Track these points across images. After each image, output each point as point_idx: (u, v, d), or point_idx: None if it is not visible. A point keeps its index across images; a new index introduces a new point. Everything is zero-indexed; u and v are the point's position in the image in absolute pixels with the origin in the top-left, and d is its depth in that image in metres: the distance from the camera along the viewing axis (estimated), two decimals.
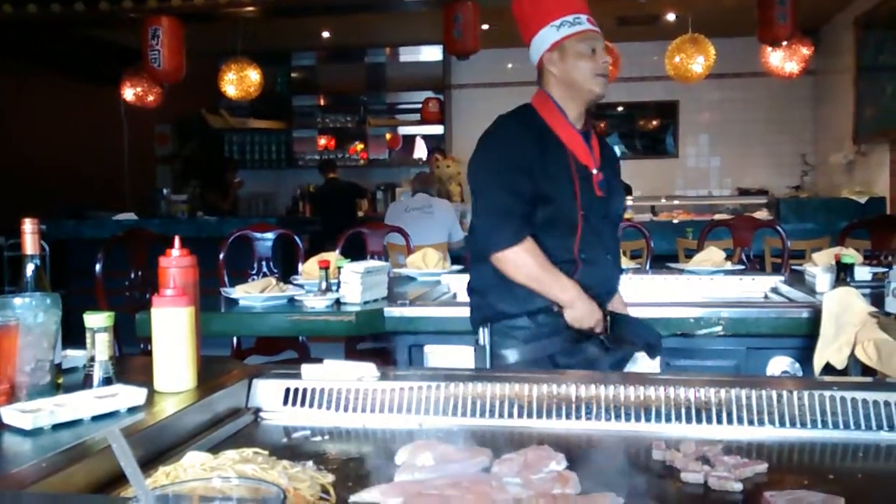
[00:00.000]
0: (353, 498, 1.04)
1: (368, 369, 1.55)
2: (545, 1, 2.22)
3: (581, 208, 2.13)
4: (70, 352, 1.64)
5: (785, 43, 5.99)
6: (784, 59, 6.22)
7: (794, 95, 8.55)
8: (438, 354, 2.58)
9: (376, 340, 3.75)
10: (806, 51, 6.20)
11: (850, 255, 2.87)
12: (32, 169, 7.15)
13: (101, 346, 1.43)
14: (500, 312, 2.15)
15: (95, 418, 1.27)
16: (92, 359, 1.43)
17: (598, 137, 2.30)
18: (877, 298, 2.44)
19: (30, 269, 1.45)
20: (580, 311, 2.09)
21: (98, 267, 3.53)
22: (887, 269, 2.60)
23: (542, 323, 2.12)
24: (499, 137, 2.19)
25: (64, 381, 1.47)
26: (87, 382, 1.43)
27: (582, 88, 2.18)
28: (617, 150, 9.04)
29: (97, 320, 1.42)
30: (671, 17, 7.68)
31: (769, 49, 6.18)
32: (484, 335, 2.17)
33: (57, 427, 1.22)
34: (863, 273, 2.99)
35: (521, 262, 2.08)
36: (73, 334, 1.60)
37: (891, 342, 2.15)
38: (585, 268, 2.15)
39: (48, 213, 6.54)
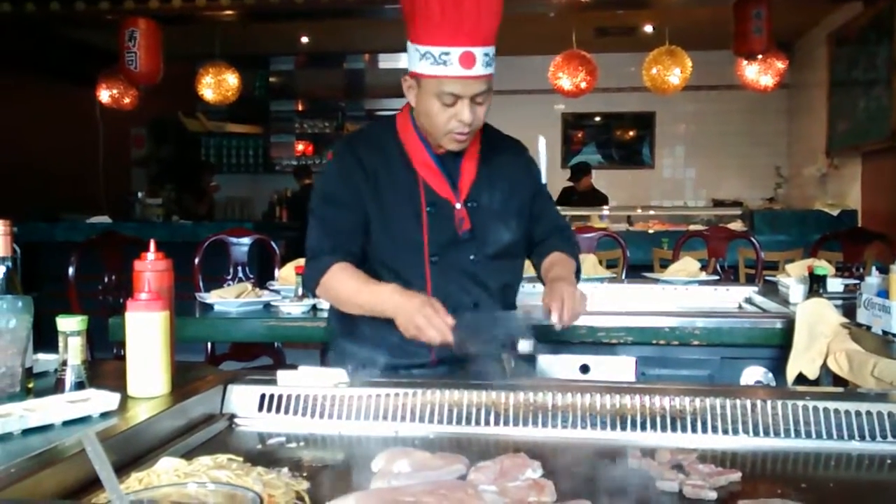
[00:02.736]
0: None
1: (339, 375, 1.55)
2: (415, 14, 1.74)
3: (430, 252, 1.83)
4: (42, 356, 1.62)
5: (760, 57, 6.06)
6: (759, 73, 6.30)
7: (769, 108, 8.66)
8: None
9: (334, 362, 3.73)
10: (780, 65, 6.28)
11: (823, 266, 2.90)
12: (4, 170, 7.05)
13: (73, 350, 1.41)
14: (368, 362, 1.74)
15: (67, 423, 1.25)
16: (64, 363, 1.41)
17: (484, 147, 1.92)
18: (849, 309, 2.47)
19: (1, 271, 1.43)
20: (407, 317, 1.65)
21: (71, 270, 3.49)
22: (859, 281, 2.64)
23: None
24: (331, 162, 1.94)
25: (35, 385, 1.45)
26: (58, 387, 1.41)
27: (432, 136, 1.83)
28: (593, 159, 9.13)
29: (70, 324, 1.40)
30: (648, 28, 7.75)
31: (744, 62, 6.26)
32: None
33: (27, 432, 1.20)
34: (835, 284, 3.02)
35: (331, 287, 1.81)
36: (46, 338, 1.58)
37: (862, 353, 2.18)
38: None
39: (20, 214, 6.44)
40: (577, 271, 2.00)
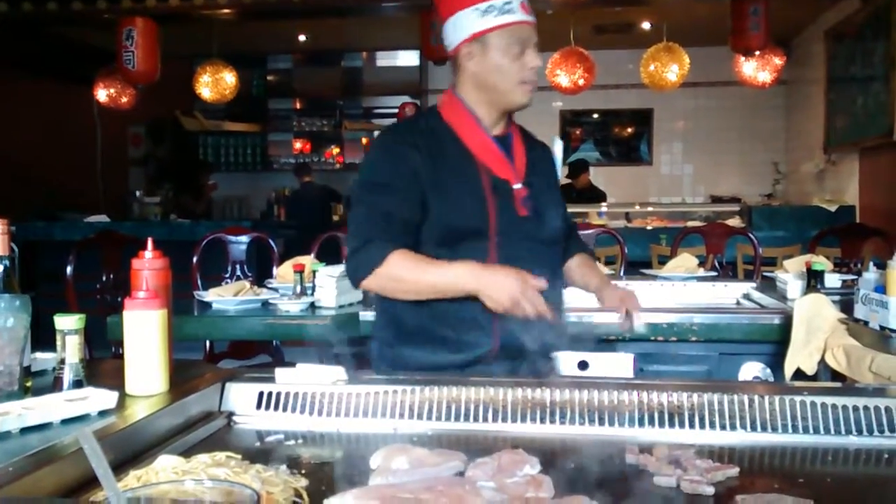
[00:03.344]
0: (326, 502, 1.03)
1: (337, 373, 1.55)
2: None
3: (496, 232, 1.78)
4: (40, 354, 1.62)
5: (758, 53, 6.06)
6: (757, 69, 6.30)
7: (767, 105, 8.66)
8: None
9: (351, 344, 3.74)
10: (778, 61, 6.28)
11: (821, 262, 2.91)
12: (2, 169, 7.04)
13: (71, 349, 1.41)
14: (412, 365, 1.80)
15: (65, 422, 1.25)
16: (62, 361, 1.41)
17: (524, 141, 1.94)
18: (846, 305, 2.48)
19: None
20: (500, 289, 1.62)
21: (69, 269, 3.49)
22: (856, 277, 2.64)
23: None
24: (374, 152, 1.86)
25: (33, 384, 1.45)
26: (56, 385, 1.41)
27: (502, 96, 1.82)
28: (591, 156, 9.13)
29: (68, 322, 1.40)
30: (646, 25, 7.74)
31: (742, 59, 6.26)
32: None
33: (25, 431, 1.20)
34: (833, 280, 3.03)
35: (393, 278, 1.72)
36: (44, 337, 1.58)
37: (860, 348, 2.18)
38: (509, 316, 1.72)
39: (18, 213, 6.44)
40: None
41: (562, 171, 2.12)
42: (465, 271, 1.68)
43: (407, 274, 1.72)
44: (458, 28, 1.79)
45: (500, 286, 1.62)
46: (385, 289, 1.78)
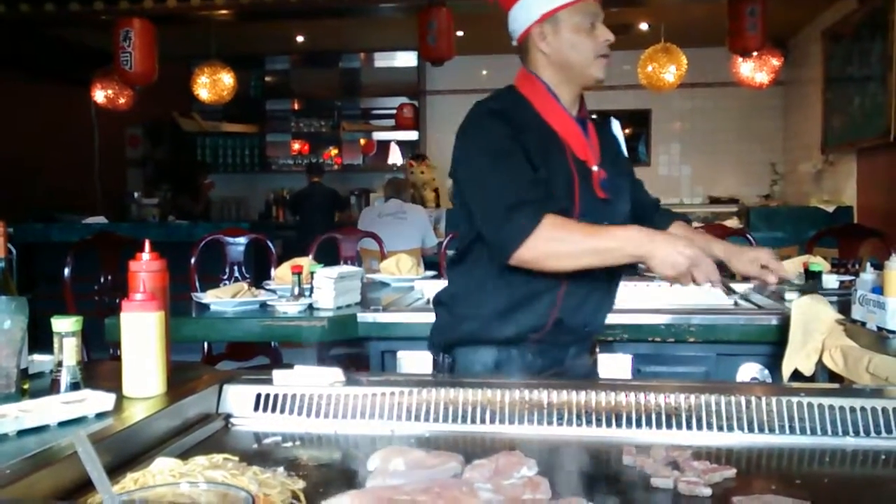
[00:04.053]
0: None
1: (335, 374, 1.55)
2: None
3: (579, 213, 1.73)
4: (37, 357, 1.62)
5: (755, 53, 6.07)
6: (754, 70, 6.31)
7: (764, 105, 8.67)
8: (411, 360, 2.58)
9: (349, 346, 3.74)
10: (776, 61, 6.29)
11: (818, 263, 2.91)
12: (0, 170, 7.04)
13: (68, 351, 1.41)
14: (463, 336, 1.82)
15: (62, 424, 1.25)
16: (59, 364, 1.41)
17: (595, 125, 1.90)
18: (844, 306, 2.48)
19: None
20: (673, 255, 1.58)
21: (67, 271, 3.49)
22: (854, 278, 2.65)
23: (510, 359, 1.79)
24: (482, 125, 1.76)
25: (30, 386, 1.45)
26: (54, 388, 1.41)
27: (580, 73, 1.79)
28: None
29: (65, 324, 1.40)
30: (644, 26, 7.75)
31: (740, 59, 6.27)
32: (443, 364, 1.86)
33: (22, 433, 1.20)
34: (830, 281, 3.03)
35: (554, 239, 1.63)
36: (41, 339, 1.58)
37: (857, 349, 2.18)
38: (573, 288, 1.76)
39: (16, 215, 6.44)
40: None
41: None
42: (634, 234, 1.63)
43: (567, 236, 1.64)
44: (527, 11, 1.78)
45: (672, 252, 1.59)
46: (541, 258, 1.65)
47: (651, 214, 2.05)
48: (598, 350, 2.03)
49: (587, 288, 1.80)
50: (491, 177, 1.69)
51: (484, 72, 8.97)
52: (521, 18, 1.80)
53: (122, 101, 6.99)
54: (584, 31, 1.77)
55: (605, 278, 1.82)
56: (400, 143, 9.59)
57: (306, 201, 7.94)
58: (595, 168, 1.80)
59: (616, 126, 2.00)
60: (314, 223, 7.42)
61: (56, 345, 1.41)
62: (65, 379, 1.41)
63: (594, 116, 1.96)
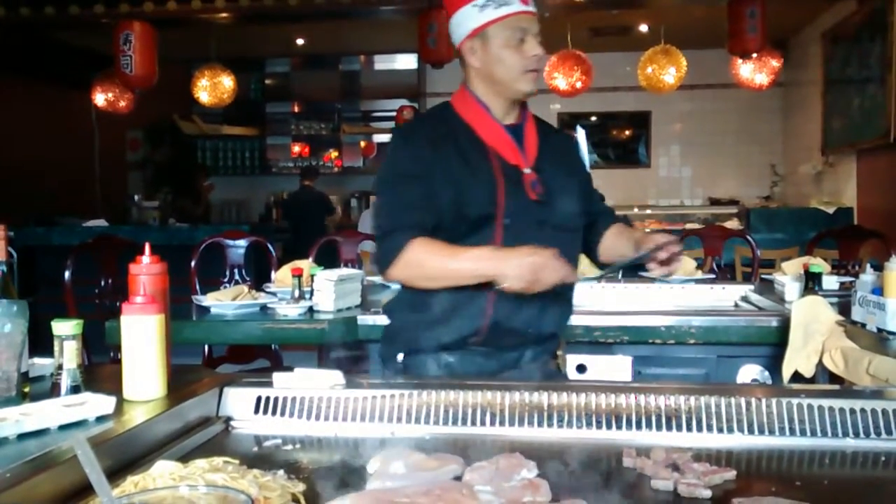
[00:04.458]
0: None
1: (335, 377, 1.55)
2: None
3: (505, 215, 1.81)
4: (38, 360, 1.62)
5: (755, 55, 6.07)
6: (754, 71, 6.31)
7: (764, 107, 8.67)
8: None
9: (350, 349, 3.74)
10: (775, 63, 6.29)
11: (819, 264, 2.91)
12: (0, 174, 7.05)
13: (69, 354, 1.41)
14: (409, 343, 1.89)
15: (63, 427, 1.25)
16: (60, 367, 1.41)
17: (539, 130, 1.96)
18: (844, 307, 2.48)
19: None
20: (517, 269, 1.66)
21: (67, 274, 3.49)
22: (854, 279, 2.65)
23: (458, 364, 1.85)
24: (392, 146, 1.93)
25: (31, 389, 1.45)
26: (54, 391, 1.41)
27: (508, 87, 1.85)
28: (589, 159, 9.13)
29: (65, 328, 1.40)
30: (644, 28, 7.76)
31: (739, 61, 6.27)
32: (394, 371, 1.91)
33: (23, 437, 1.20)
34: (830, 282, 3.03)
35: (414, 263, 1.77)
36: (42, 342, 1.58)
37: (857, 350, 2.18)
38: (502, 294, 1.77)
39: (16, 218, 6.44)
40: None
41: (588, 159, 2.15)
42: (486, 254, 1.72)
43: (429, 262, 1.77)
44: (460, 25, 1.84)
45: (515, 265, 1.66)
46: (409, 278, 1.83)
47: (603, 221, 2.08)
48: (560, 353, 1.99)
49: None
50: (382, 199, 1.86)
51: None
52: (455, 34, 1.88)
53: (122, 104, 6.99)
54: (513, 46, 1.80)
55: None
56: None
57: (296, 205, 7.95)
58: (527, 171, 1.85)
59: (580, 134, 2.15)
60: (304, 227, 7.45)
61: (56, 348, 1.41)
62: (65, 382, 1.41)
63: (549, 122, 2.06)
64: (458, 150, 1.84)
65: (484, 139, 1.86)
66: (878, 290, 2.17)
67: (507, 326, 1.83)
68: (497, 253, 1.72)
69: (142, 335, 1.41)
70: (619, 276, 4.22)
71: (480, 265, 1.72)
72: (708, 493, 1.11)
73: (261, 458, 1.30)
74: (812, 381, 2.32)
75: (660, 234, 1.89)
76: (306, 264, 3.07)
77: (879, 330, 2.14)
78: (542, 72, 1.90)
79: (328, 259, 3.91)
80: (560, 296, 1.88)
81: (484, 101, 1.88)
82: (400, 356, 1.90)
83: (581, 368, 2.43)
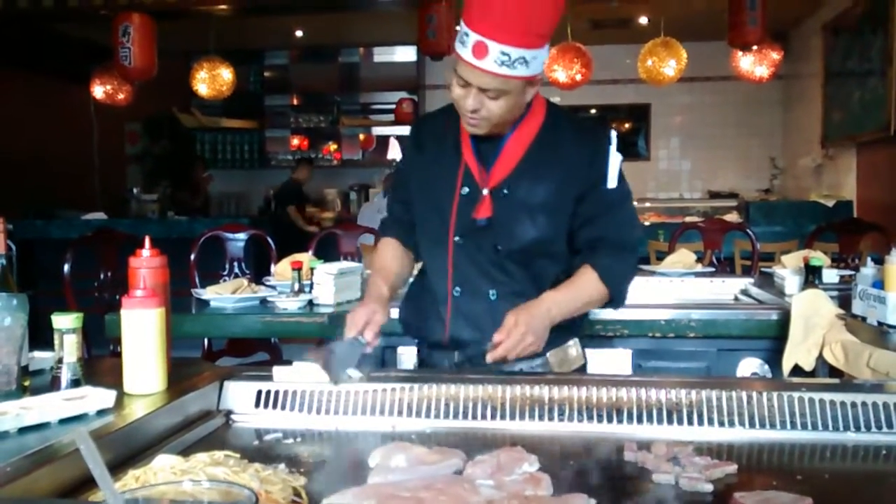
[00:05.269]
0: (325, 501, 1.03)
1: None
2: None
3: (454, 233, 1.78)
4: (37, 353, 1.62)
5: (755, 47, 6.06)
6: (754, 64, 6.30)
7: (764, 99, 8.66)
8: (411, 356, 2.58)
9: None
10: (775, 55, 6.28)
11: (819, 257, 2.91)
12: None
13: (69, 348, 1.41)
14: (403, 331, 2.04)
15: (63, 421, 1.25)
16: (60, 360, 1.41)
17: (541, 137, 1.78)
18: (844, 300, 2.48)
19: None
20: (352, 310, 1.74)
21: (66, 267, 3.49)
22: (854, 272, 2.65)
23: (439, 357, 1.89)
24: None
25: (31, 383, 1.45)
26: (54, 385, 1.41)
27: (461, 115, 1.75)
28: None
29: (65, 321, 1.40)
30: (643, 20, 7.74)
31: (739, 53, 6.25)
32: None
33: (23, 430, 1.20)
34: (830, 276, 3.03)
35: (374, 258, 1.99)
36: (41, 336, 1.58)
37: (858, 344, 2.18)
38: (457, 307, 1.79)
39: (15, 211, 6.43)
40: (612, 299, 1.80)
41: (612, 173, 1.80)
42: (369, 290, 1.84)
43: (372, 265, 1.97)
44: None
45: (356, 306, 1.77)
46: None
47: (581, 258, 1.81)
48: (552, 352, 1.85)
49: (471, 304, 1.79)
50: None
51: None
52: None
53: (121, 96, 6.97)
54: (457, 83, 1.67)
55: (496, 300, 1.77)
56: (399, 138, 9.57)
57: (283, 196, 8.09)
58: (484, 191, 1.76)
59: (598, 148, 1.81)
60: (278, 217, 7.70)
61: (56, 342, 1.41)
62: (65, 376, 1.41)
63: (576, 119, 1.92)
64: (438, 158, 1.83)
65: (463, 151, 1.80)
66: (879, 284, 2.17)
67: (466, 339, 1.79)
68: (372, 292, 1.81)
69: (142, 329, 1.41)
70: None
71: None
72: (709, 487, 1.11)
73: (261, 451, 1.30)
74: (812, 374, 2.32)
75: (523, 314, 1.64)
76: (306, 258, 3.07)
77: (880, 323, 2.14)
78: (496, 124, 1.72)
79: (328, 252, 3.91)
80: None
81: None
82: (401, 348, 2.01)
83: None
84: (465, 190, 1.77)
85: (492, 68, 1.60)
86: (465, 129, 1.78)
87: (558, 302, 1.71)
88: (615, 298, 1.81)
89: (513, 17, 1.57)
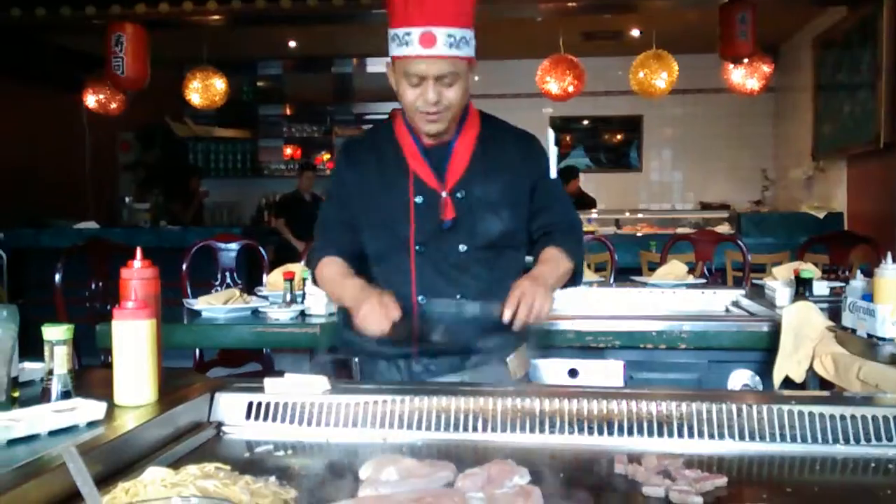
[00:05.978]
0: None
1: (320, 382, 1.54)
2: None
3: (416, 242, 1.83)
4: (28, 364, 1.61)
5: (746, 60, 6.10)
6: (745, 76, 6.34)
7: (755, 112, 8.70)
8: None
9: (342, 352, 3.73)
10: (766, 68, 6.32)
11: (809, 269, 2.92)
12: None
13: (59, 359, 1.40)
14: (353, 346, 1.92)
15: (53, 433, 1.24)
16: (50, 372, 1.41)
17: (481, 141, 1.89)
18: (834, 313, 2.49)
19: None
20: (362, 313, 1.71)
21: (57, 277, 3.48)
22: (844, 284, 2.66)
23: (403, 368, 1.89)
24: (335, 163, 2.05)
25: (21, 394, 1.45)
26: (44, 396, 1.40)
27: (410, 118, 1.84)
28: (581, 163, 9.16)
29: (56, 333, 1.39)
30: (635, 32, 7.78)
31: (731, 66, 6.29)
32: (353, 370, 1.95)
33: (12, 442, 1.19)
34: (821, 288, 3.04)
35: (319, 279, 1.94)
36: (32, 346, 1.57)
37: (847, 356, 2.19)
38: (423, 314, 1.82)
39: (6, 221, 6.42)
40: (576, 273, 1.92)
41: (550, 166, 1.96)
42: (349, 291, 1.79)
43: (324, 284, 1.94)
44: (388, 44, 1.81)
45: (358, 307, 1.72)
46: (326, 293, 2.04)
47: (543, 241, 1.92)
48: (511, 357, 1.93)
49: (444, 313, 1.81)
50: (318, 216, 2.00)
51: (476, 77, 8.93)
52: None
53: (113, 105, 6.97)
54: (409, 85, 1.76)
55: (466, 303, 1.81)
56: None
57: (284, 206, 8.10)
58: (444, 194, 1.83)
59: (534, 145, 1.97)
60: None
61: (47, 353, 1.41)
62: (55, 387, 1.40)
63: (506, 124, 1.98)
64: (381, 172, 1.88)
65: (408, 161, 1.87)
66: (869, 296, 2.18)
67: (432, 341, 1.80)
68: (354, 291, 1.76)
69: (133, 341, 1.41)
70: (612, 279, 4.24)
71: (343, 299, 1.83)
72: (699, 500, 1.11)
73: (252, 463, 1.30)
74: (803, 386, 2.33)
75: (528, 284, 1.74)
76: (298, 268, 3.07)
77: (869, 336, 2.15)
78: (452, 115, 1.81)
79: None
80: (489, 310, 1.77)
81: (409, 122, 1.87)
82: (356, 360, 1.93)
83: (573, 373, 2.43)
84: (419, 199, 1.84)
85: (443, 52, 1.71)
86: (405, 143, 1.88)
87: (544, 273, 1.82)
88: (578, 273, 1.95)
89: (447, 1, 1.72)
